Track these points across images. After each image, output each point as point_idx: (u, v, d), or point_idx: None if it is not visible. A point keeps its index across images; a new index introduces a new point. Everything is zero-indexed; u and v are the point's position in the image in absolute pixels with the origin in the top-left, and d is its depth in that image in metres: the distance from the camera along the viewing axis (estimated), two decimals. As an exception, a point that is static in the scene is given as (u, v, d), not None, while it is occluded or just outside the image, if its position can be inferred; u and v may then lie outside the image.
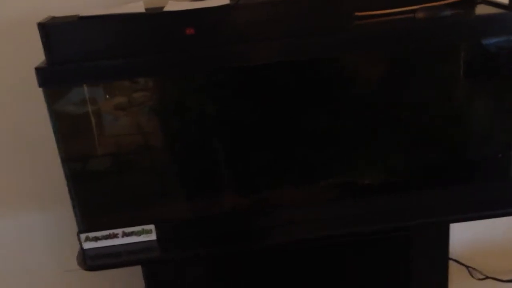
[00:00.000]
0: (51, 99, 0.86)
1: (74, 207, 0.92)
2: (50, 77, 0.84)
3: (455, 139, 1.00)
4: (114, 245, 0.94)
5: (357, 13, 0.90)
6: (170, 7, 0.85)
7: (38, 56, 0.85)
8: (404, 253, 1.04)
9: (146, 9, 0.85)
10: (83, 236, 0.93)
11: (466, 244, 1.36)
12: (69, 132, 0.92)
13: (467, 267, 1.37)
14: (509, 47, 0.92)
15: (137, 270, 1.02)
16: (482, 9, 0.94)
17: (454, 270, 1.34)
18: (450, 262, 1.30)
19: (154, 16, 0.84)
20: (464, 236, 1.34)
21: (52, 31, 0.82)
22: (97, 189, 0.95)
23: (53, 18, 0.86)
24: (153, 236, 0.94)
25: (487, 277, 1.37)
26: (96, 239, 0.93)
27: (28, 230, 1.23)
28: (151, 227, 0.94)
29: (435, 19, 0.89)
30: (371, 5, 0.93)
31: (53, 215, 1.21)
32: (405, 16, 0.93)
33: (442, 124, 0.99)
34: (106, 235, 0.93)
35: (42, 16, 0.87)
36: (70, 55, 0.83)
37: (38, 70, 0.82)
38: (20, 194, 1.19)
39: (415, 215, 0.97)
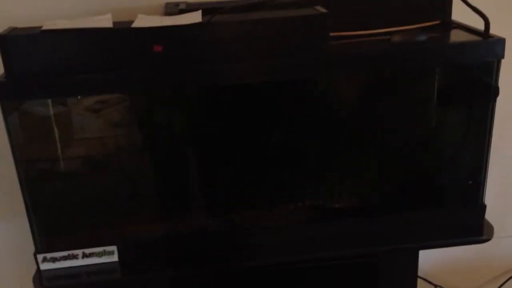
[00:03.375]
0: (8, 113, 0.82)
1: (31, 226, 0.88)
2: (8, 92, 0.79)
3: (426, 165, 1.00)
4: (73, 267, 0.90)
5: (331, 34, 0.89)
6: (139, 22, 0.82)
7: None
8: (372, 276, 1.03)
9: (114, 23, 0.82)
10: (40, 256, 0.89)
11: (434, 262, 1.37)
12: (27, 144, 0.88)
13: (434, 285, 1.37)
14: (482, 74, 0.91)
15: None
16: (457, 35, 0.93)
17: (421, 288, 1.34)
18: (418, 280, 1.30)
19: (121, 32, 0.80)
20: (432, 254, 1.34)
21: (13, 44, 0.78)
22: (56, 207, 0.91)
23: (14, 29, 0.81)
24: (115, 258, 0.91)
25: (453, 296, 1.38)
26: (54, 260, 0.89)
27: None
28: (113, 248, 0.91)
29: (410, 44, 0.88)
30: (346, 26, 0.92)
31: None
32: (380, 39, 0.92)
33: (414, 149, 0.98)
34: (65, 256, 0.90)
35: (1, 26, 0.82)
36: (30, 69, 0.79)
37: (-4, 84, 0.78)
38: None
39: (384, 241, 0.96)
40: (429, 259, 1.35)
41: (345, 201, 0.99)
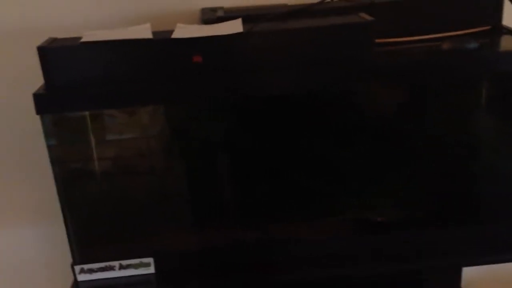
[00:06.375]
0: (48, 125, 0.81)
1: (69, 237, 0.87)
2: (49, 104, 0.78)
3: (473, 178, 0.95)
4: (110, 278, 0.89)
5: (377, 40, 0.85)
6: (179, 32, 0.79)
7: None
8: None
9: (153, 33, 0.80)
10: (77, 268, 0.88)
11: (476, 271, 1.32)
12: (64, 151, 0.87)
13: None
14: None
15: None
16: (508, 41, 0.89)
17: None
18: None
19: (161, 43, 0.78)
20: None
21: (53, 56, 0.77)
22: (94, 219, 0.91)
23: (54, 40, 0.80)
24: (151, 270, 0.90)
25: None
26: (91, 271, 0.89)
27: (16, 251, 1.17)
28: (150, 260, 0.89)
29: (462, 52, 0.84)
30: (391, 31, 0.88)
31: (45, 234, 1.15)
32: (428, 45, 0.88)
33: (460, 162, 0.94)
34: (102, 267, 0.89)
35: (40, 35, 0.81)
36: (71, 81, 0.78)
37: (37, 96, 0.77)
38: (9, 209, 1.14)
39: (428, 257, 0.92)
40: (472, 270, 1.31)
41: (387, 215, 0.95)
